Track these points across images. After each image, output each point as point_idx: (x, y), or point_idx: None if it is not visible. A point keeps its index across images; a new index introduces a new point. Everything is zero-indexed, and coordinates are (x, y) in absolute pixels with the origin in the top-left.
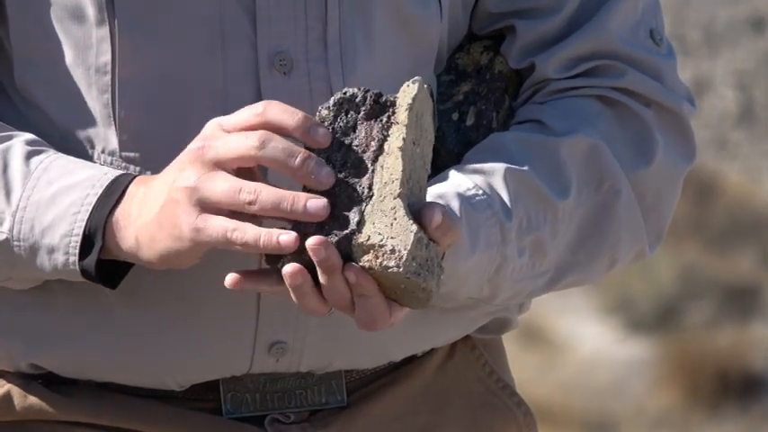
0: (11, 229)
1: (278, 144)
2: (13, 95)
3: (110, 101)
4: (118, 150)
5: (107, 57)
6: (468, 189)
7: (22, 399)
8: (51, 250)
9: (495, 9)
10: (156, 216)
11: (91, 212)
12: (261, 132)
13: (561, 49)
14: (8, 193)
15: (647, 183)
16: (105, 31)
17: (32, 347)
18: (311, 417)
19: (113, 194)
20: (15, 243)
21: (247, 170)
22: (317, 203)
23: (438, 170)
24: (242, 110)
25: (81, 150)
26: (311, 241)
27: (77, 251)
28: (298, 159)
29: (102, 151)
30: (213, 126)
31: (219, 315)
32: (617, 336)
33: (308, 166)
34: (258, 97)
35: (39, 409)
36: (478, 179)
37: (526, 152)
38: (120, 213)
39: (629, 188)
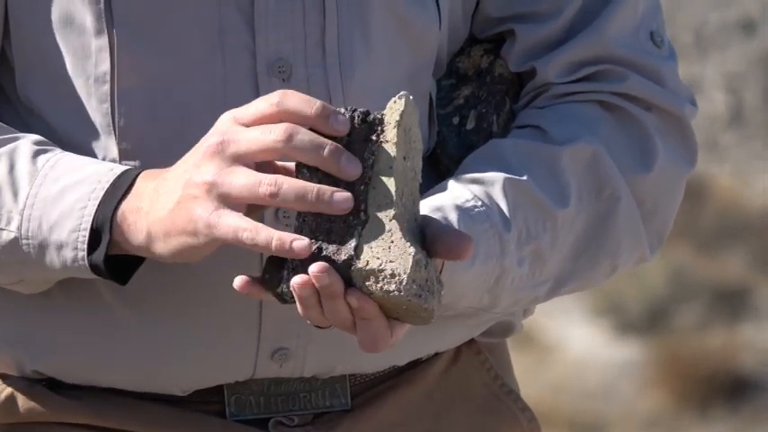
0: (19, 228)
1: (305, 136)
2: (16, 105)
3: (109, 110)
4: (118, 159)
5: (106, 66)
6: (467, 201)
7: (26, 401)
8: (60, 246)
9: (495, 14)
10: (170, 211)
11: (98, 207)
12: (286, 126)
13: (561, 53)
14: (15, 192)
15: (648, 188)
16: (104, 40)
17: (35, 354)
18: (315, 420)
19: (120, 188)
20: (24, 241)
21: (267, 164)
22: (342, 195)
23: (440, 174)
24: (257, 100)
25: None
26: (314, 268)
27: (86, 245)
28: (326, 150)
29: (103, 160)
30: (228, 120)
31: (222, 322)
32: (607, 338)
33: (338, 157)
34: None
35: (42, 412)
36: (477, 190)
37: (525, 161)
38: (128, 208)
39: (628, 194)
